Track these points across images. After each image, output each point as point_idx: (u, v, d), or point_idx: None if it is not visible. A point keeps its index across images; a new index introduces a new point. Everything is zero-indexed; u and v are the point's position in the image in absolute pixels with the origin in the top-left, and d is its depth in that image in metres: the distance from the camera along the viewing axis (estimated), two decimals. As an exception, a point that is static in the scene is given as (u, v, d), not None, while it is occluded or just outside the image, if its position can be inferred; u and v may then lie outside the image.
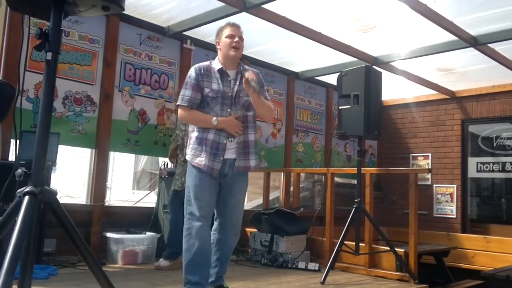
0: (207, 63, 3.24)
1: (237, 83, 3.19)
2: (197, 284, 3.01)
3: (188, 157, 3.18)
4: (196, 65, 3.22)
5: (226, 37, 3.17)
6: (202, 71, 3.15)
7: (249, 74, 3.04)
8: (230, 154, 3.14)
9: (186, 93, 3.13)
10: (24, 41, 1.83)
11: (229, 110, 3.14)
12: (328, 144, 7.81)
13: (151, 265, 4.53)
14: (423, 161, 8.10)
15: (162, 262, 4.42)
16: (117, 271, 4.22)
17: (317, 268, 4.84)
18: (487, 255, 6.23)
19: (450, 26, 4.99)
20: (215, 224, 3.29)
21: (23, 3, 1.83)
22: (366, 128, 4.57)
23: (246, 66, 3.30)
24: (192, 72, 3.17)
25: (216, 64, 3.20)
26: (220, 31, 3.26)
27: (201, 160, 3.08)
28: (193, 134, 3.18)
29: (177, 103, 3.18)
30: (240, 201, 3.29)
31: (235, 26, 3.23)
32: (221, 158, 3.10)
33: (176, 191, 4.57)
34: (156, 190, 5.47)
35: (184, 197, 3.20)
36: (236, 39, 3.16)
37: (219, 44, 3.24)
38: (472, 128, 7.79)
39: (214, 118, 3.06)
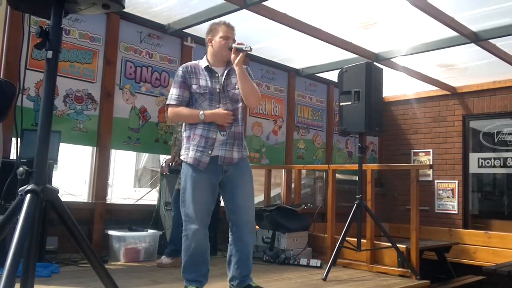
0: (194, 62, 3.30)
1: (224, 78, 3.21)
2: (194, 281, 3.11)
3: (182, 157, 3.20)
4: (183, 64, 3.28)
5: (220, 38, 3.19)
6: (189, 69, 3.20)
7: (235, 44, 3.09)
8: (222, 149, 3.14)
9: (173, 91, 3.17)
10: (24, 39, 1.83)
11: (217, 105, 3.16)
12: (329, 141, 7.81)
13: (153, 262, 4.54)
14: (425, 157, 8.10)
15: (164, 259, 4.43)
16: (119, 269, 4.23)
17: (319, 265, 4.85)
18: (489, 251, 6.24)
19: (451, 22, 4.98)
20: (230, 225, 3.26)
21: (23, 2, 1.83)
22: (367, 124, 4.57)
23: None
24: (179, 71, 3.22)
25: (203, 62, 3.24)
26: (214, 29, 3.25)
27: (187, 153, 3.12)
28: (184, 134, 3.22)
29: (167, 103, 3.23)
30: (248, 194, 3.24)
31: (230, 28, 3.24)
32: (210, 152, 3.09)
33: (180, 190, 4.58)
34: (158, 187, 5.48)
35: (180, 198, 3.20)
36: (230, 41, 3.18)
37: (211, 42, 3.24)
38: (473, 124, 7.78)
39: (201, 112, 3.09)
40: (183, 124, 3.29)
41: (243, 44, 3.09)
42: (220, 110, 3.13)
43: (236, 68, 3.12)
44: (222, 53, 3.19)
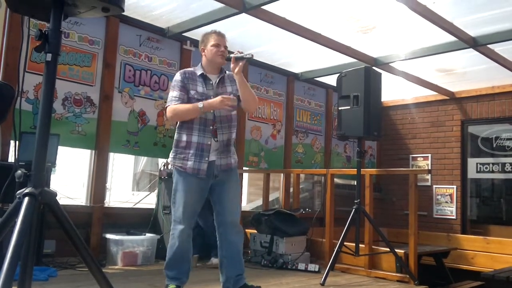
0: (191, 69, 3.43)
1: (219, 85, 3.35)
2: (174, 279, 3.25)
3: (170, 160, 3.31)
4: (181, 70, 3.40)
5: (212, 46, 3.32)
6: (187, 75, 3.32)
7: (234, 54, 3.22)
8: (215, 156, 3.26)
9: (173, 94, 3.25)
10: (23, 42, 1.83)
11: (213, 110, 3.24)
12: (327, 145, 7.81)
13: (151, 266, 4.53)
14: (423, 162, 8.10)
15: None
16: (117, 273, 4.22)
17: (317, 269, 4.84)
18: (487, 256, 6.23)
19: (450, 27, 4.99)
20: (216, 226, 3.38)
21: (23, 4, 1.83)
22: (365, 129, 4.57)
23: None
24: (177, 76, 3.32)
25: (198, 70, 3.36)
26: (205, 38, 3.39)
27: (185, 163, 3.21)
28: (176, 137, 3.31)
29: (167, 105, 3.28)
30: (235, 197, 3.40)
31: (221, 36, 3.38)
32: (207, 159, 3.21)
33: None
34: (156, 191, 5.47)
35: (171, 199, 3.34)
36: (222, 48, 3.33)
37: (204, 51, 3.38)
38: (472, 129, 7.79)
39: (200, 103, 3.15)
40: (177, 127, 3.35)
41: (242, 53, 3.23)
42: (219, 97, 3.18)
43: (236, 77, 3.26)
44: (215, 60, 3.32)
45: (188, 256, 3.30)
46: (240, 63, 3.21)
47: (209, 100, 3.18)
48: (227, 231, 3.32)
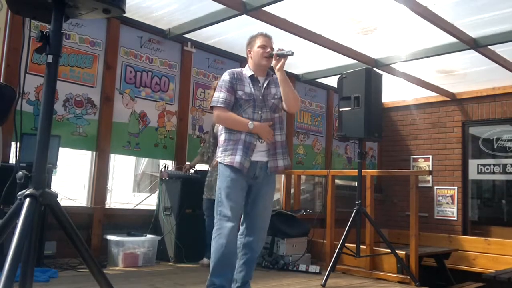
0: (239, 69, 3.37)
1: (265, 87, 3.30)
2: (221, 287, 3.05)
3: (219, 159, 3.20)
4: (230, 70, 3.32)
5: (258, 47, 3.30)
6: (235, 75, 3.27)
7: (275, 51, 3.21)
8: (260, 157, 3.21)
9: (221, 95, 3.19)
10: (25, 43, 1.84)
11: (260, 112, 3.23)
12: (328, 146, 7.81)
13: (151, 267, 4.53)
14: (424, 163, 8.10)
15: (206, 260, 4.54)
16: (118, 274, 4.22)
17: (318, 271, 4.83)
18: (488, 257, 6.22)
19: (451, 28, 5.00)
20: (241, 228, 3.30)
21: (24, 6, 1.84)
22: (366, 130, 4.57)
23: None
24: (226, 76, 3.26)
25: (248, 71, 3.32)
26: (252, 40, 3.37)
27: (233, 157, 3.13)
28: (223, 137, 3.22)
29: (212, 105, 3.23)
30: (269, 204, 3.34)
31: (267, 37, 3.36)
32: (250, 158, 3.16)
33: (209, 199, 4.66)
34: (157, 192, 5.47)
35: (215, 198, 3.22)
36: (268, 49, 3.29)
37: (250, 53, 3.35)
38: (473, 130, 7.79)
39: (251, 122, 3.15)
40: (220, 127, 3.30)
41: (283, 50, 3.20)
42: (266, 126, 3.20)
43: (277, 73, 3.23)
44: (261, 62, 3.28)
45: (235, 260, 3.17)
46: (282, 60, 3.19)
47: (261, 125, 3.17)
48: (253, 235, 3.24)
